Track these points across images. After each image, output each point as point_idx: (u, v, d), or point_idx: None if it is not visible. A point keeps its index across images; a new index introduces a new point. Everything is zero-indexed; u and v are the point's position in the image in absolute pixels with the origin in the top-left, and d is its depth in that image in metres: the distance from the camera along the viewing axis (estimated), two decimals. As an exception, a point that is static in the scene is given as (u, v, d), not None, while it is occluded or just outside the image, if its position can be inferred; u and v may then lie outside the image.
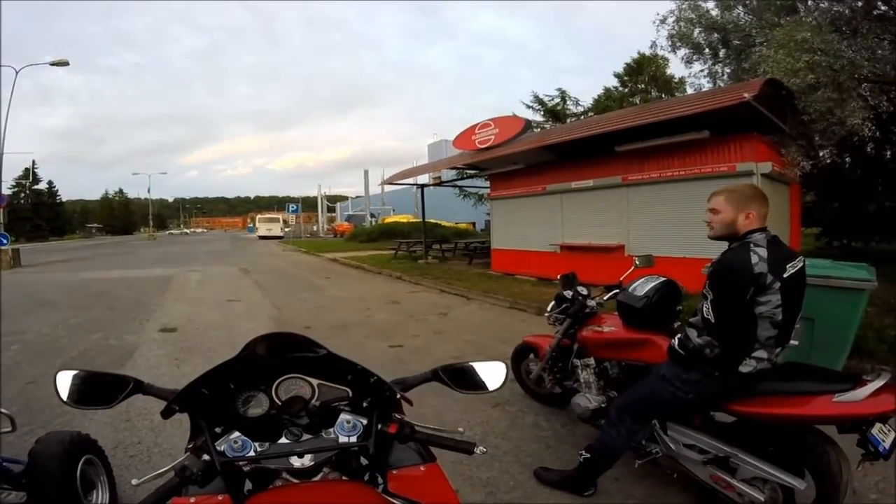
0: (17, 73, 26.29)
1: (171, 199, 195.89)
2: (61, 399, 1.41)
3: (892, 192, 12.91)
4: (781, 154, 9.94)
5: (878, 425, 2.41)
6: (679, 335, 2.87)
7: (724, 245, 2.81)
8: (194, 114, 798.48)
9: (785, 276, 2.57)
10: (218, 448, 1.36)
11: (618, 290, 3.98)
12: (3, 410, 2.71)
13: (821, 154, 11.48)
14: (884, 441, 2.39)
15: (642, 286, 3.57)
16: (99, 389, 1.47)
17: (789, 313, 2.61)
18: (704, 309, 2.67)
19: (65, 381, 1.44)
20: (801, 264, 2.68)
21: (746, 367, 2.63)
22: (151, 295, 12.55)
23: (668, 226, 10.56)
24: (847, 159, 13.50)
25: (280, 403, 1.49)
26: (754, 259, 2.54)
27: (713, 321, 2.62)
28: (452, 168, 18.95)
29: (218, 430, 1.43)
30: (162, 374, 6.03)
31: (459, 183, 22.16)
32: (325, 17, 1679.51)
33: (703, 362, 2.70)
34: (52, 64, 26.72)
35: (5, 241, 23.44)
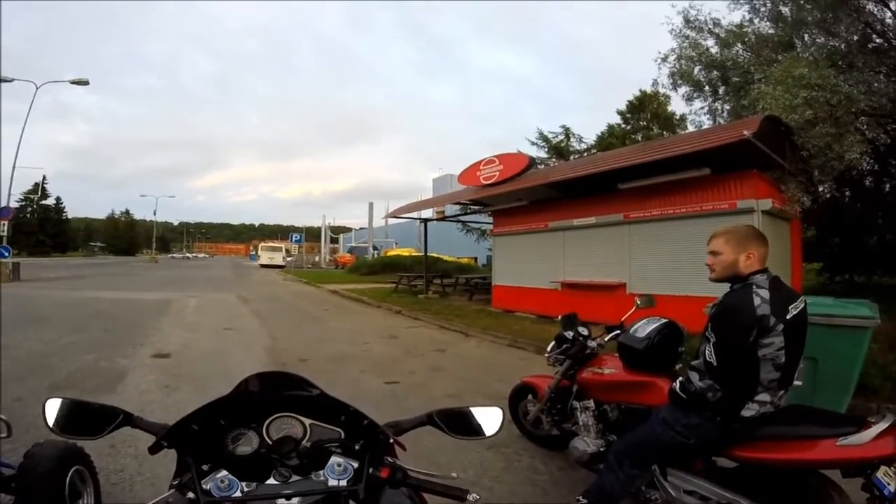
0: (37, 88, 26.93)
1: (176, 223, 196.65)
2: (48, 426, 1.38)
3: (892, 225, 12.93)
4: (781, 190, 9.96)
5: (883, 468, 2.35)
6: (680, 378, 2.82)
7: (726, 284, 2.79)
8: (206, 139, 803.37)
9: (787, 317, 2.54)
10: (204, 486, 1.32)
11: (619, 331, 3.92)
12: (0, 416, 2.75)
13: (820, 189, 11.51)
14: (889, 484, 2.33)
15: (644, 327, 3.52)
16: (87, 419, 1.44)
17: (792, 355, 2.57)
18: (706, 352, 2.62)
19: (53, 409, 1.42)
20: (802, 305, 2.66)
21: (749, 411, 2.58)
22: (148, 318, 12.47)
23: (670, 264, 10.55)
24: (846, 194, 13.53)
25: (270, 443, 1.44)
26: (756, 301, 2.51)
27: (715, 364, 2.57)
28: (456, 203, 19.02)
29: (205, 467, 1.38)
30: (151, 400, 5.92)
31: (463, 218, 22.21)
32: (339, 50, 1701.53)
33: (704, 406, 2.64)
34: (73, 82, 27.05)
35: (6, 254, 23.70)
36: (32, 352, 8.18)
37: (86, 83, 26.90)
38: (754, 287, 2.58)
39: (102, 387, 6.40)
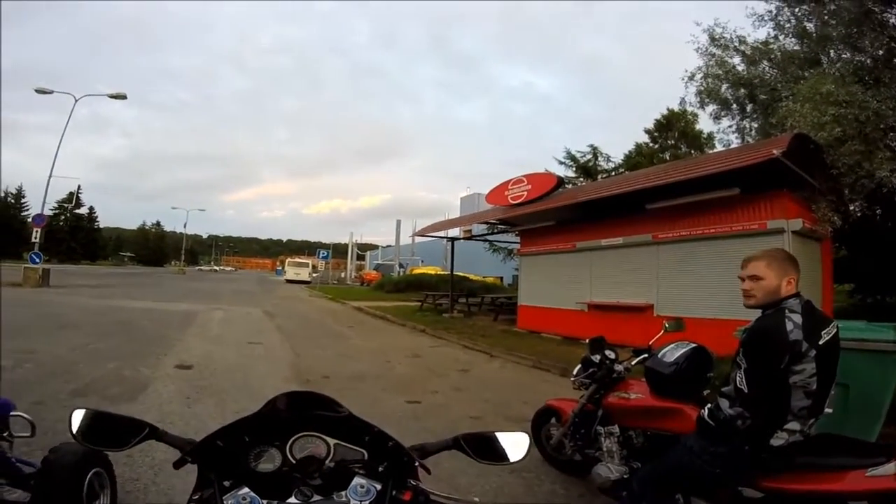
0: (76, 101, 27.51)
1: (205, 236, 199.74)
2: (73, 436, 1.37)
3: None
4: (812, 210, 9.77)
5: None
6: (709, 405, 2.74)
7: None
8: (239, 155, 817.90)
9: (820, 343, 2.47)
10: (225, 503, 1.30)
11: (646, 355, 3.86)
12: (25, 416, 2.85)
13: (851, 208, 11.28)
14: None
15: (672, 352, 3.46)
16: (113, 431, 1.43)
17: (823, 382, 2.50)
18: (738, 378, 2.54)
19: (79, 419, 1.41)
20: (834, 330, 2.59)
21: (778, 440, 2.51)
22: (173, 329, 12.57)
23: (699, 285, 10.42)
24: (878, 212, 13.19)
25: (294, 461, 1.44)
26: (789, 326, 2.45)
27: (746, 391, 2.48)
28: (483, 222, 18.99)
29: (227, 483, 1.37)
30: (171, 411, 5.90)
31: (490, 237, 22.14)
32: (368, 67, 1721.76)
33: (732, 435, 2.56)
34: (111, 96, 27.76)
35: (38, 260, 24.36)
36: (57, 357, 8.24)
37: (123, 97, 27.52)
38: (787, 312, 2.51)
39: (124, 395, 6.42)
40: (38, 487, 2.67)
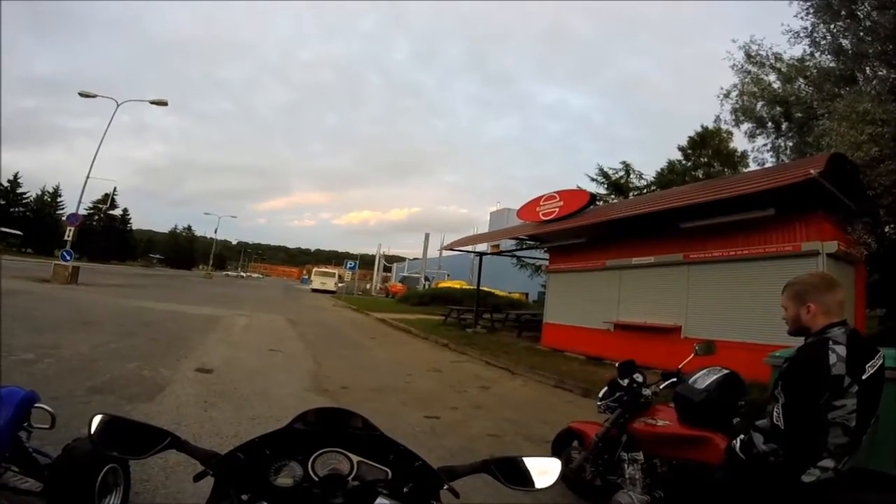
0: (118, 105, 28.27)
1: (234, 242, 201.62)
2: (90, 439, 1.31)
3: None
4: (847, 232, 9.50)
5: None
6: (742, 437, 2.62)
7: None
8: (273, 165, 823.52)
9: (864, 377, 2.31)
10: None
11: (675, 379, 3.73)
12: (47, 408, 3.01)
13: (886, 230, 10.98)
14: None
15: (703, 378, 3.34)
16: (133, 438, 1.36)
17: (864, 418, 2.33)
18: (775, 413, 2.40)
19: (100, 423, 1.34)
20: (880, 362, 2.42)
21: (809, 476, 2.35)
22: (196, 332, 12.60)
23: (729, 308, 10.16)
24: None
25: (316, 478, 1.37)
26: (832, 359, 2.29)
27: (783, 427, 2.35)
28: (513, 238, 18.90)
29: (244, 497, 1.31)
30: (187, 414, 5.87)
31: (518, 253, 22.03)
32: (405, 82, 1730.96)
33: (763, 470, 2.44)
34: (152, 102, 28.22)
35: (69, 257, 24.84)
36: (78, 354, 8.27)
37: (164, 104, 28.09)
38: (830, 343, 2.36)
39: (142, 396, 6.40)
40: (51, 478, 2.75)
